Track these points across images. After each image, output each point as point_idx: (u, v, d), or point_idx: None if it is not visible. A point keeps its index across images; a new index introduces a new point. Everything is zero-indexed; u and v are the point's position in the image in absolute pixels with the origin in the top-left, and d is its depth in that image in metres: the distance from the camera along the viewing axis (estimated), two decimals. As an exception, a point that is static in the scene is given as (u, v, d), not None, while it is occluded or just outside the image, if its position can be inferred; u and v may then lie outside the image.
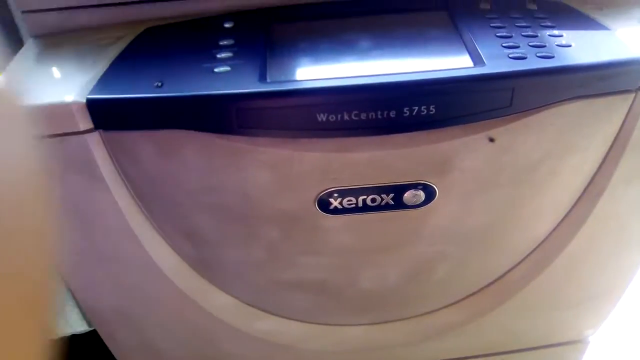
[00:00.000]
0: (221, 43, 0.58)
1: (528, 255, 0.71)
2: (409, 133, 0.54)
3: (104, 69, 0.56)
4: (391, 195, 0.58)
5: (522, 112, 0.54)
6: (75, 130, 0.53)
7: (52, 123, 0.52)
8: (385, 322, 0.78)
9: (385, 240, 0.64)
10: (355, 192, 0.58)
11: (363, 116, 0.51)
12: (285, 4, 0.63)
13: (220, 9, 0.63)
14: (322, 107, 0.51)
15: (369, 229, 0.62)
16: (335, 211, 0.59)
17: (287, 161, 0.55)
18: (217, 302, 0.71)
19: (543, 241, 0.69)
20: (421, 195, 0.58)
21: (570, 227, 0.67)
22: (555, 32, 0.57)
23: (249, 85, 0.51)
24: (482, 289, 0.75)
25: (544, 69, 0.52)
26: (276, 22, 0.62)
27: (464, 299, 0.76)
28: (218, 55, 0.56)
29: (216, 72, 0.53)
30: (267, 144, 0.54)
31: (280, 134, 0.53)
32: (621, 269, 0.75)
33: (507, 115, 0.53)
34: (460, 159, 0.56)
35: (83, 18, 0.63)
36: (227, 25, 0.61)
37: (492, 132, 0.55)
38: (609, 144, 0.59)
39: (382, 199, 0.59)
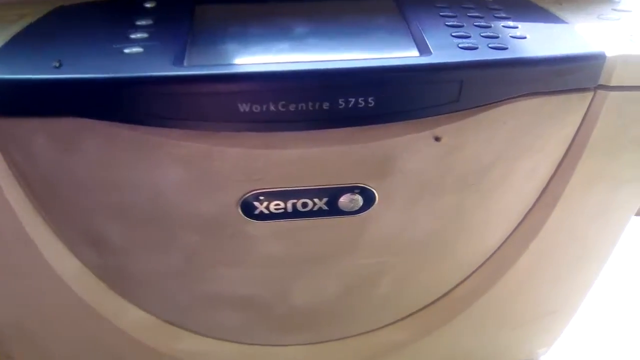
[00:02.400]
0: (138, 23, 0.50)
1: (477, 268, 0.65)
2: (344, 128, 0.47)
3: (-1, 46, 0.47)
4: (325, 199, 0.52)
5: (471, 108, 0.48)
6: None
7: None
8: (323, 341, 0.71)
9: (320, 250, 0.58)
10: (284, 195, 0.51)
11: (292, 107, 0.44)
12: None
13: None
14: (245, 96, 0.44)
15: (301, 238, 0.55)
16: (262, 216, 0.52)
17: (205, 157, 0.48)
18: (131, 318, 0.62)
19: (494, 253, 0.64)
20: (359, 200, 0.52)
21: (523, 238, 0.62)
22: (510, 23, 0.52)
23: (160, 68, 0.44)
24: (428, 305, 0.69)
25: (496, 60, 0.46)
26: (203, 3, 0.55)
27: (408, 315, 0.70)
28: (132, 36, 0.48)
29: (126, 53, 0.46)
30: (182, 136, 0.46)
31: (196, 125, 0.46)
32: (576, 283, 0.71)
33: (455, 111, 0.48)
34: (403, 159, 0.50)
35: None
36: (147, 5, 0.54)
37: (438, 130, 0.49)
38: (566, 146, 0.54)
39: (315, 204, 0.52)
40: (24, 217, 0.52)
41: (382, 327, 0.70)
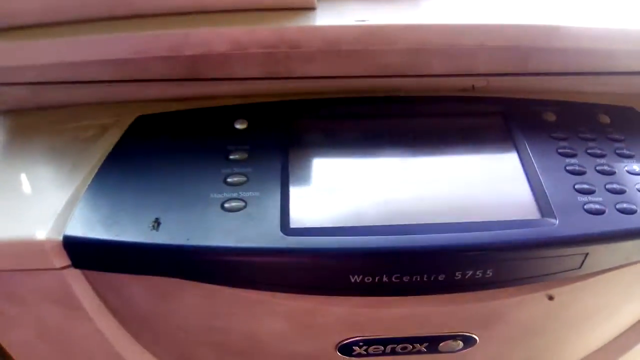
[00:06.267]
0: (232, 157, 0.46)
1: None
2: (457, 294, 0.45)
3: (86, 185, 0.45)
4: (425, 344, 0.50)
5: (593, 275, 0.45)
6: (50, 267, 0.43)
7: (21, 259, 0.42)
8: None
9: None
10: (384, 342, 0.49)
11: (406, 279, 0.42)
12: (313, 95, 0.52)
13: (228, 92, 0.52)
14: (358, 270, 0.41)
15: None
16: (358, 355, 0.51)
17: (308, 314, 0.46)
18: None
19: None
20: (460, 344, 0.50)
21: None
22: (636, 167, 0.47)
23: (267, 236, 0.41)
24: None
25: (626, 231, 0.42)
26: (299, 136, 0.50)
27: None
28: (228, 179, 0.44)
29: (226, 209, 0.43)
30: (286, 298, 0.44)
31: (303, 290, 0.44)
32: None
33: (575, 279, 0.45)
34: (511, 314, 0.48)
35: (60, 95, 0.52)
36: (238, 126, 0.50)
37: (553, 291, 0.46)
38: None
39: (414, 347, 0.50)
40: (115, 341, 0.51)
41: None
